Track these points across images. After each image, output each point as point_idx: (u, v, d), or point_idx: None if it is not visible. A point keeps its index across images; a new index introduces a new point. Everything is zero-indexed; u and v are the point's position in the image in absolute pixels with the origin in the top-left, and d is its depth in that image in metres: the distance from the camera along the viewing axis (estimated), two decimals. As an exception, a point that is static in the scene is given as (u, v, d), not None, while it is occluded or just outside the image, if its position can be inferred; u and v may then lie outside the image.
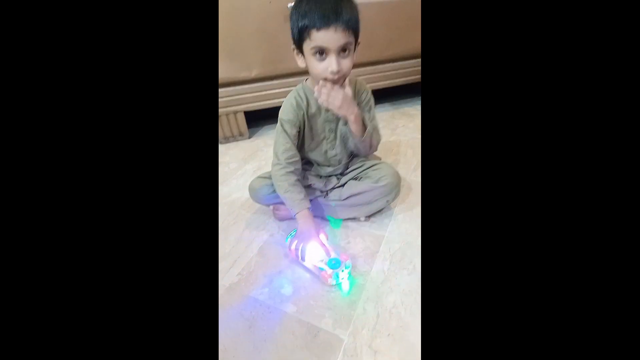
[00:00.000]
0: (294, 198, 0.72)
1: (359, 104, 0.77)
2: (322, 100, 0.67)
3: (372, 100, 0.79)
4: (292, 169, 0.73)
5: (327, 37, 0.59)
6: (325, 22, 0.58)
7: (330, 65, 0.62)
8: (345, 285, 0.64)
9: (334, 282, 0.63)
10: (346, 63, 0.64)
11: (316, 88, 0.67)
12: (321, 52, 0.62)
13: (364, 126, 0.74)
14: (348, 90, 0.68)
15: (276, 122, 0.76)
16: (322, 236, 0.69)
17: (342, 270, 0.63)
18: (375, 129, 0.78)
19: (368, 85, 0.80)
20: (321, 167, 0.84)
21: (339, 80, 0.65)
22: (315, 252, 0.67)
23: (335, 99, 0.66)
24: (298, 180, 0.74)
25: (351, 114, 0.70)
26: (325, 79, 0.65)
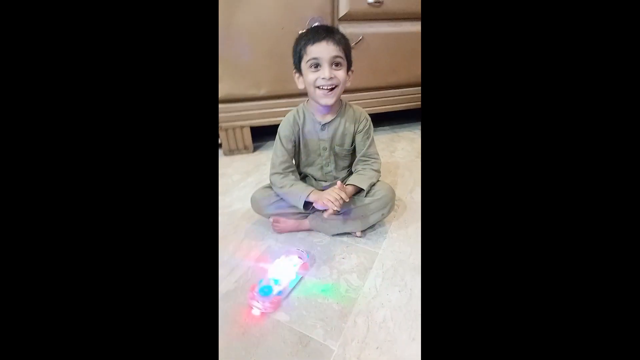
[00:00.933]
0: (300, 187, 0.78)
1: (357, 133, 0.82)
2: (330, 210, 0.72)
3: (371, 129, 0.84)
4: (290, 174, 0.81)
5: (320, 48, 0.70)
6: (318, 37, 0.70)
7: (322, 72, 0.70)
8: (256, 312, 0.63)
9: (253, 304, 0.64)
10: (339, 74, 0.72)
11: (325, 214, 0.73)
12: (316, 65, 0.71)
13: (361, 188, 0.79)
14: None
15: (280, 138, 0.81)
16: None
17: (261, 302, 0.63)
18: (375, 157, 0.84)
19: (370, 109, 0.86)
20: (318, 182, 0.88)
21: (333, 91, 0.73)
22: (281, 267, 0.71)
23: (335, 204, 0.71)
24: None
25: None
26: (319, 88, 0.72)
